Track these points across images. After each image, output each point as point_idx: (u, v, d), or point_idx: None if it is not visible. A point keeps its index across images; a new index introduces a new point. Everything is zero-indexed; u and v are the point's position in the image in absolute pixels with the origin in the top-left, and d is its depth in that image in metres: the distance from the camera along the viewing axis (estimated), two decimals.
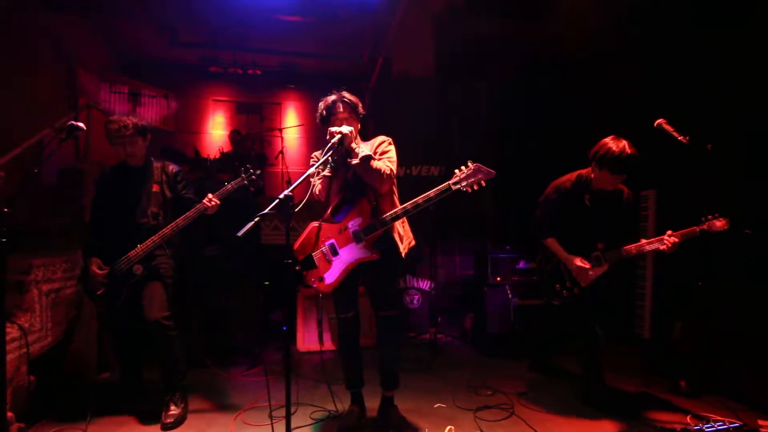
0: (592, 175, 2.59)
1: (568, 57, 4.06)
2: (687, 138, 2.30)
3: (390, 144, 2.43)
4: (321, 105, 2.39)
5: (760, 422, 2.40)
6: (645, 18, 3.43)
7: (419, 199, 2.19)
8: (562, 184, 2.70)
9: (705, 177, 2.78)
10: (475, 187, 2.12)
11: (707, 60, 3.11)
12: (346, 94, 2.36)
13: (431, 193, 2.17)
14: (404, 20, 4.40)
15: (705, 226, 2.44)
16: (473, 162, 2.13)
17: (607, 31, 3.48)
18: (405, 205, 2.23)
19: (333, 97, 2.36)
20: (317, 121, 2.43)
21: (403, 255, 2.38)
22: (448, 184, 2.16)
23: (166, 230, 2.51)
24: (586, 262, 2.61)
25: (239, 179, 2.61)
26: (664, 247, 2.45)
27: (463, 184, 2.13)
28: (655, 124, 2.41)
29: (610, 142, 2.46)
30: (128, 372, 2.73)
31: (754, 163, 2.80)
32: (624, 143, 2.43)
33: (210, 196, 2.54)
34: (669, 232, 2.47)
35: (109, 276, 2.49)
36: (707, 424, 2.31)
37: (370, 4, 4.16)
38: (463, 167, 2.14)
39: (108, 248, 2.53)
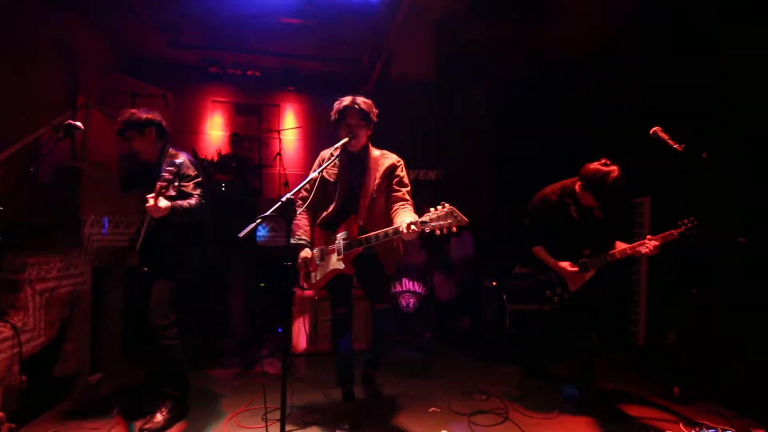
0: (578, 190, 2.62)
1: (568, 62, 4.09)
2: (682, 146, 2.31)
3: (404, 169, 2.47)
4: (335, 106, 2.38)
5: (753, 430, 2.41)
6: (646, 23, 3.46)
7: (390, 229, 2.14)
8: (548, 196, 2.73)
9: (700, 183, 2.80)
10: (445, 231, 1.88)
11: (707, 63, 3.14)
12: (359, 100, 2.33)
13: (401, 226, 2.02)
14: (405, 24, 4.42)
15: (682, 229, 2.49)
16: (449, 204, 1.90)
17: (607, 36, 3.51)
18: (387, 229, 2.17)
19: (346, 102, 2.34)
20: (331, 120, 2.42)
21: (391, 272, 2.48)
22: (417, 221, 1.98)
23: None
24: (573, 266, 2.65)
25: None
26: (646, 250, 2.50)
27: (432, 224, 1.91)
28: (650, 132, 2.42)
29: (600, 169, 2.46)
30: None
31: (754, 166, 2.79)
32: (611, 172, 2.43)
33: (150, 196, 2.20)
34: (649, 236, 2.54)
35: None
36: (700, 431, 2.32)
37: (370, 7, 4.19)
38: (438, 206, 1.91)
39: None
